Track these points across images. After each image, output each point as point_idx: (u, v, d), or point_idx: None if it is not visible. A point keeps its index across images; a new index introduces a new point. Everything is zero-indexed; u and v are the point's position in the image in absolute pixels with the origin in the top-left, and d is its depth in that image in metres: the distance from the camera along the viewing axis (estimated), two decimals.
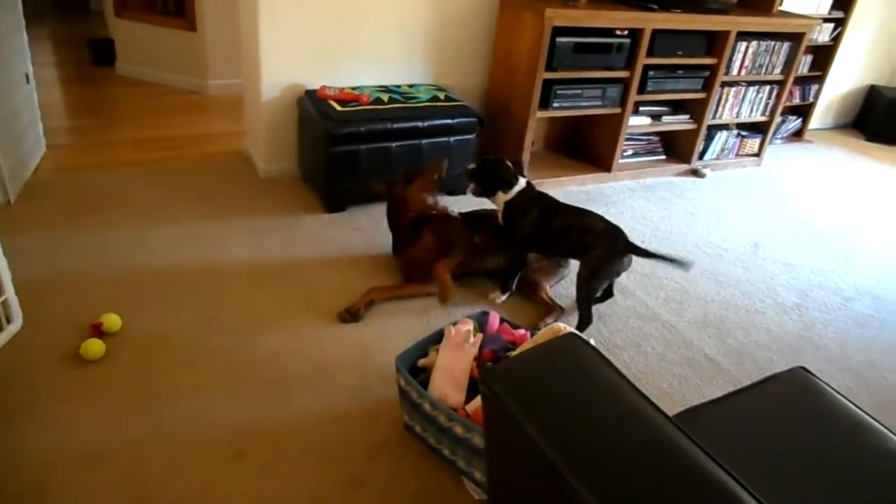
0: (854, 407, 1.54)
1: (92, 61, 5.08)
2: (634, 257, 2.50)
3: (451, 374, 1.82)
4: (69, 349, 2.11)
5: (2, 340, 2.10)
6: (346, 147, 3.02)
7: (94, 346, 2.08)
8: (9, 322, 2.16)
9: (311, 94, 3.24)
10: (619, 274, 2.63)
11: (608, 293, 2.74)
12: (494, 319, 2.05)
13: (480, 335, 1.93)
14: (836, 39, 4.91)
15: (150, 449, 1.81)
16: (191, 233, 2.89)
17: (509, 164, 2.64)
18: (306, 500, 1.73)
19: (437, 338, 1.99)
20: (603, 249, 2.48)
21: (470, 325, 1.96)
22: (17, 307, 2.19)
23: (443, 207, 2.81)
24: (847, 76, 5.49)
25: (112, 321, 2.21)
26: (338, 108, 3.08)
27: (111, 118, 4.17)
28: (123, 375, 2.05)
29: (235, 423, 1.93)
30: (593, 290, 2.51)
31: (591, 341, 1.91)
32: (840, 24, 4.85)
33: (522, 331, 2.04)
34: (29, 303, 2.26)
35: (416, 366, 1.95)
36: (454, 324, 1.97)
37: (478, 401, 1.72)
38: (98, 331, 2.16)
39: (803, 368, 1.67)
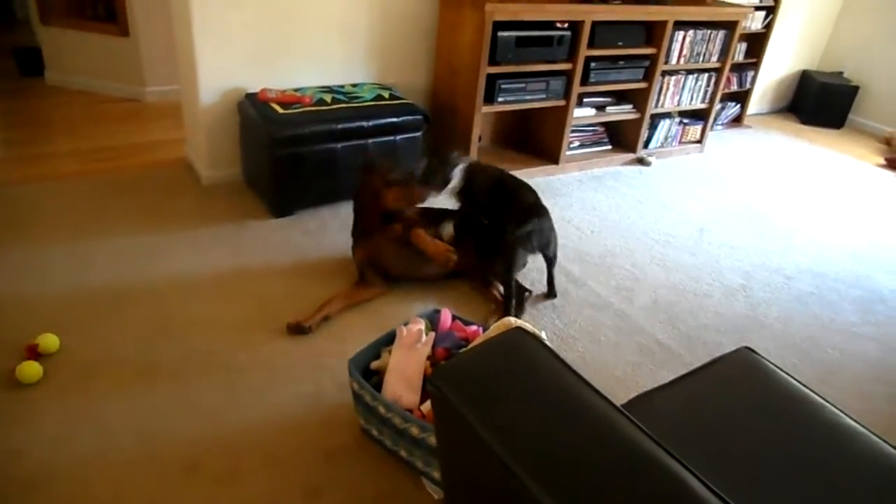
0: (796, 383, 1.58)
1: (19, 72, 4.87)
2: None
3: (404, 374, 1.81)
4: (4, 373, 2.01)
5: None
6: (290, 150, 2.96)
7: (31, 369, 1.99)
8: None
9: (251, 97, 3.17)
10: (539, 246, 2.66)
11: (551, 292, 2.76)
12: (446, 317, 2.04)
13: (433, 334, 1.92)
14: (768, 27, 5.06)
15: (97, 471, 1.75)
16: (133, 245, 2.79)
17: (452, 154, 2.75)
18: None
19: (389, 339, 1.97)
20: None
21: (422, 325, 1.95)
22: None
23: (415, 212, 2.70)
24: (780, 62, 5.67)
25: (49, 342, 2.11)
26: (280, 110, 3.02)
27: (44, 130, 4.00)
28: (64, 397, 1.97)
29: (186, 438, 1.87)
30: (514, 262, 2.57)
31: (543, 334, 1.92)
32: (771, 11, 5.01)
33: (474, 327, 2.04)
34: None
35: (368, 368, 1.93)
36: (405, 324, 1.95)
37: None
38: (34, 352, 2.07)
39: (748, 348, 1.71)
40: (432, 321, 2.04)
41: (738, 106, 5.38)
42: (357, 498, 1.75)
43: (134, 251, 2.75)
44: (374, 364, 1.92)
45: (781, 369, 1.64)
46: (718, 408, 1.51)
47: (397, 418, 1.72)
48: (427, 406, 1.76)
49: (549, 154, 4.07)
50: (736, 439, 1.41)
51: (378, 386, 1.84)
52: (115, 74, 4.57)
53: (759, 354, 1.68)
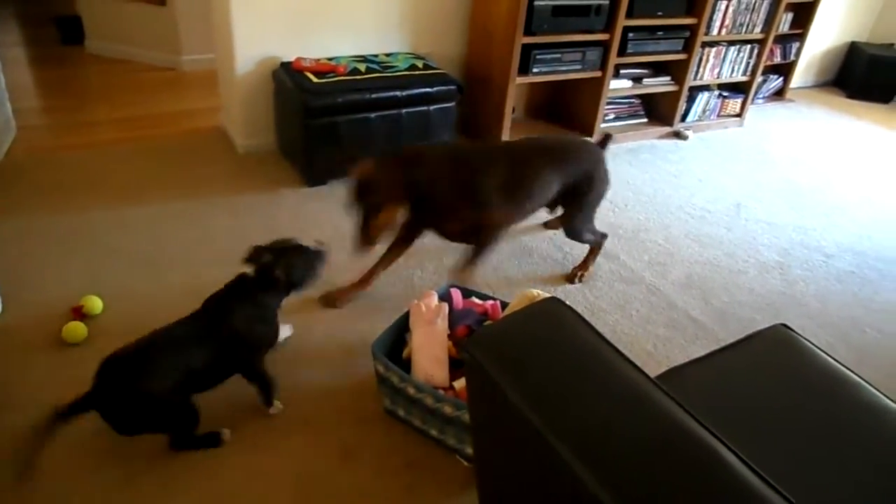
0: (833, 361, 1.56)
1: (60, 40, 4.94)
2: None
3: (431, 352, 1.80)
4: (51, 333, 2.09)
5: None
6: (324, 119, 2.97)
7: (77, 329, 2.06)
8: None
9: (286, 66, 3.18)
10: None
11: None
12: (456, 294, 2.03)
13: (445, 304, 1.92)
14: None
15: None
16: (170, 212, 2.85)
17: None
18: (296, 471, 1.73)
19: (407, 320, 1.96)
20: None
21: (436, 298, 1.95)
22: None
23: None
24: (828, 33, 5.47)
25: (93, 303, 2.18)
26: (314, 79, 3.02)
27: (84, 98, 4.07)
28: None
29: (222, 402, 1.92)
30: None
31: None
32: None
33: (491, 301, 2.03)
34: (7, 288, 2.23)
35: (393, 351, 1.92)
36: (418, 301, 1.93)
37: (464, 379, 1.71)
38: (79, 313, 2.14)
39: (784, 325, 1.68)
40: (444, 300, 2.01)
41: (781, 79, 5.22)
42: (389, 463, 1.78)
43: (171, 218, 2.80)
44: (406, 353, 1.91)
45: (818, 347, 1.61)
46: (752, 384, 1.49)
47: (429, 398, 1.71)
48: (459, 383, 1.76)
49: (583, 126, 4.01)
50: (770, 416, 1.40)
51: (406, 367, 1.84)
52: (152, 43, 4.62)
53: (795, 332, 1.65)
